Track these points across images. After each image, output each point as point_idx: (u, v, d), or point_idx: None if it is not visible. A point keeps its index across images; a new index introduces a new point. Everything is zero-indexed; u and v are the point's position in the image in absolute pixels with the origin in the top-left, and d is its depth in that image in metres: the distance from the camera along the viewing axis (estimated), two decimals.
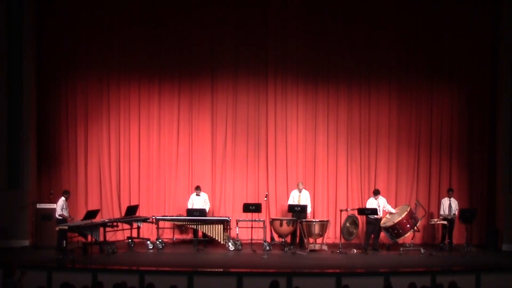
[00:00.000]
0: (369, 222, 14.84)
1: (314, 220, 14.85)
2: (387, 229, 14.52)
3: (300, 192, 15.39)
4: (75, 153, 16.31)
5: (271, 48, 16.40)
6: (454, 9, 16.26)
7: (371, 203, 14.97)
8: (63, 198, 14.69)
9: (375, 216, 14.66)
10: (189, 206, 15.33)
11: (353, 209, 15.30)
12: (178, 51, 16.42)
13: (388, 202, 15.60)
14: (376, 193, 15.05)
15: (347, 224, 15.18)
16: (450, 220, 15.09)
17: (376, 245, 14.81)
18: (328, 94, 16.45)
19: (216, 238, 14.80)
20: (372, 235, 14.84)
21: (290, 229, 14.81)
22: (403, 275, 11.85)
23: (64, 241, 13.48)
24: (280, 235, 14.98)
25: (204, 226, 14.78)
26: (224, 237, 14.76)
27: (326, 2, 16.43)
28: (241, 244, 14.80)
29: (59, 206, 14.56)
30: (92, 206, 15.68)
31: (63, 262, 12.78)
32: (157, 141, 16.41)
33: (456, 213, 15.12)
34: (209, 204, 15.64)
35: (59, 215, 14.50)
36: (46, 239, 14.82)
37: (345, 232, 15.18)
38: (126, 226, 15.05)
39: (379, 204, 14.97)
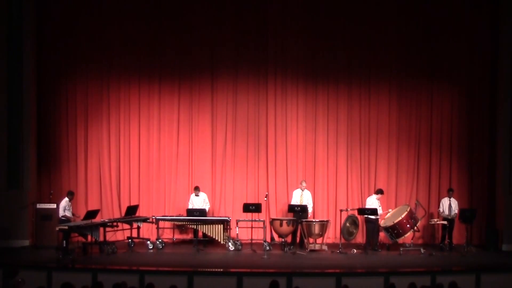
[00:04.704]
0: (369, 221, 14.84)
1: (314, 220, 14.85)
2: (387, 229, 14.51)
3: (302, 191, 15.38)
4: (75, 153, 16.32)
5: (271, 48, 16.40)
6: (454, 9, 16.27)
7: (373, 201, 14.96)
8: (66, 199, 14.71)
9: (376, 216, 14.69)
10: (189, 207, 15.33)
11: (353, 209, 15.30)
12: (178, 51, 16.43)
13: (388, 202, 15.71)
14: (381, 192, 15.06)
15: (347, 224, 15.18)
16: (450, 220, 15.09)
17: (376, 245, 14.79)
18: (328, 94, 16.46)
19: (216, 238, 14.80)
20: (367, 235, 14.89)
21: (290, 229, 14.81)
22: (403, 275, 11.82)
23: (64, 241, 13.47)
24: (280, 235, 14.98)
25: (204, 226, 14.79)
26: (224, 237, 14.76)
27: (326, 3, 16.44)
28: (241, 244, 14.80)
29: (62, 207, 14.59)
30: (92, 206, 15.68)
31: (63, 262, 12.77)
32: (157, 141, 16.41)
33: (456, 213, 15.12)
34: (208, 204, 15.65)
35: (62, 216, 14.51)
36: (46, 239, 14.84)
37: (345, 232, 15.17)
38: (126, 226, 15.05)
39: (380, 204, 15.01)
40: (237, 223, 14.80)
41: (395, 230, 14.36)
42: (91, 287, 9.79)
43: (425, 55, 16.35)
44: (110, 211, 16.18)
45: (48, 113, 16.31)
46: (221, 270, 12.47)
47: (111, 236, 14.89)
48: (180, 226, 15.83)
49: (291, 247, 14.83)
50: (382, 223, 14.69)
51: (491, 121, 16.18)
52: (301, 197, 15.34)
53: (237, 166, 16.44)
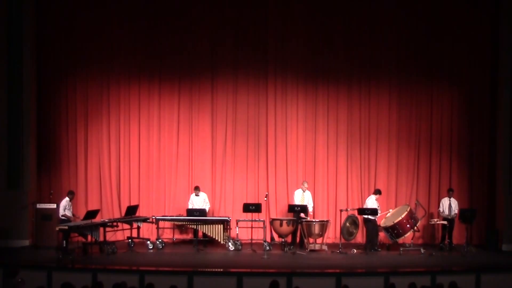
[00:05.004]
0: (368, 221, 14.82)
1: (314, 220, 14.84)
2: (387, 229, 14.51)
3: (304, 191, 15.37)
4: (75, 153, 16.32)
5: (271, 48, 16.40)
6: (454, 9, 16.27)
7: (373, 202, 14.96)
8: (67, 199, 14.74)
9: (375, 216, 14.71)
10: (189, 207, 15.33)
11: (353, 209, 15.31)
12: (178, 51, 16.42)
13: (388, 202, 15.72)
14: (379, 193, 15.06)
15: (347, 224, 15.18)
16: (450, 220, 15.10)
17: (376, 245, 14.75)
18: (328, 94, 16.46)
19: (216, 238, 14.80)
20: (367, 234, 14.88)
21: (290, 229, 14.81)
22: (403, 275, 11.83)
23: (64, 241, 13.47)
24: (280, 235, 14.99)
25: (204, 226, 14.79)
26: (224, 237, 14.76)
27: (326, 3, 16.43)
28: (241, 244, 14.80)
29: (62, 207, 14.61)
30: (92, 206, 15.69)
31: (63, 262, 12.77)
32: (157, 141, 16.41)
33: (456, 213, 15.12)
34: (208, 204, 15.65)
35: (62, 215, 14.54)
36: (46, 239, 14.84)
37: (345, 232, 15.17)
38: (126, 226, 15.05)
39: (379, 204, 15.01)
40: (237, 223, 14.80)
41: (395, 230, 14.36)
42: (91, 287, 9.80)
43: (425, 55, 16.34)
44: (110, 211, 16.18)
45: (48, 113, 16.30)
46: (221, 270, 12.48)
47: (111, 236, 14.89)
48: (180, 226, 15.83)
49: (291, 247, 14.83)
50: (382, 223, 14.70)
51: (491, 121, 16.18)
52: (302, 197, 15.33)
53: (237, 166, 16.44)
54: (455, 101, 16.37)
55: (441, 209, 15.37)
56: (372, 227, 14.79)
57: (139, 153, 16.38)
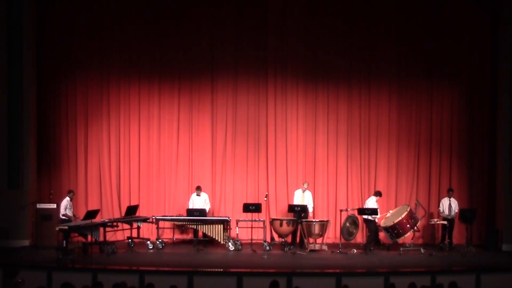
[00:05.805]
0: (370, 221, 14.82)
1: (314, 220, 14.84)
2: (387, 229, 14.51)
3: (304, 192, 15.37)
4: (75, 153, 16.33)
5: (271, 48, 16.40)
6: (454, 9, 16.27)
7: (373, 203, 14.95)
8: (67, 198, 14.76)
9: (374, 216, 14.71)
10: (190, 206, 15.34)
11: (353, 209, 15.31)
12: (178, 51, 16.43)
13: (388, 202, 15.71)
14: (380, 194, 15.06)
15: (347, 224, 15.18)
16: (450, 220, 15.10)
17: (371, 246, 14.72)
18: (328, 94, 16.46)
19: (216, 238, 14.81)
20: (369, 234, 14.87)
21: (290, 229, 14.81)
22: (403, 275, 11.84)
23: (64, 241, 13.47)
24: (280, 235, 14.99)
25: (204, 226, 14.79)
26: (224, 237, 14.76)
27: (326, 2, 16.43)
28: (241, 244, 14.80)
29: (63, 206, 14.64)
30: (92, 206, 15.69)
31: (63, 262, 12.78)
32: (157, 141, 16.41)
33: (456, 212, 15.13)
34: (209, 204, 15.65)
35: (63, 215, 14.56)
36: (46, 239, 14.85)
37: (345, 232, 15.18)
38: (126, 226, 15.05)
39: (378, 206, 15.01)
40: (237, 223, 14.80)
41: (395, 230, 14.36)
42: (91, 287, 9.80)
43: (425, 55, 16.34)
44: (110, 211, 16.18)
45: (48, 113, 16.31)
46: (221, 270, 12.48)
47: (111, 236, 14.89)
48: (180, 226, 15.83)
49: (291, 247, 14.83)
50: (382, 223, 14.70)
51: (491, 121, 16.18)
52: (302, 197, 15.33)
53: (237, 166, 16.44)
54: (455, 101, 16.37)
55: (441, 209, 15.37)
56: (373, 227, 14.79)
57: (139, 153, 16.38)
